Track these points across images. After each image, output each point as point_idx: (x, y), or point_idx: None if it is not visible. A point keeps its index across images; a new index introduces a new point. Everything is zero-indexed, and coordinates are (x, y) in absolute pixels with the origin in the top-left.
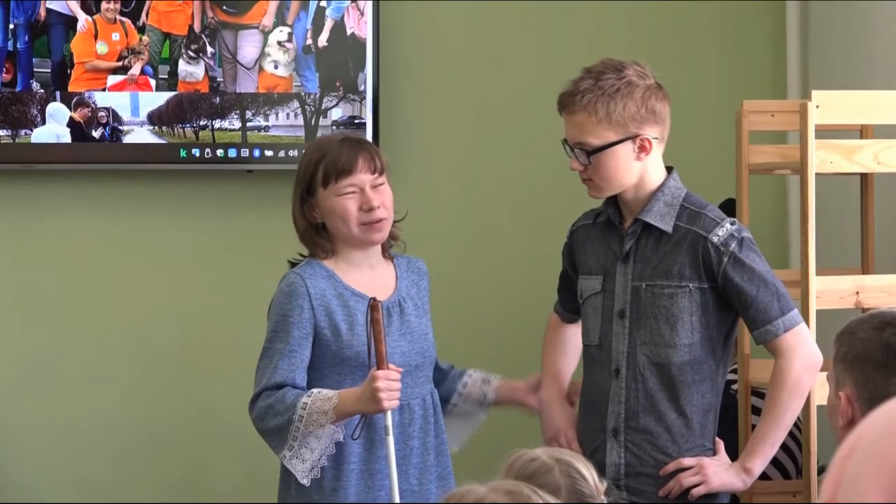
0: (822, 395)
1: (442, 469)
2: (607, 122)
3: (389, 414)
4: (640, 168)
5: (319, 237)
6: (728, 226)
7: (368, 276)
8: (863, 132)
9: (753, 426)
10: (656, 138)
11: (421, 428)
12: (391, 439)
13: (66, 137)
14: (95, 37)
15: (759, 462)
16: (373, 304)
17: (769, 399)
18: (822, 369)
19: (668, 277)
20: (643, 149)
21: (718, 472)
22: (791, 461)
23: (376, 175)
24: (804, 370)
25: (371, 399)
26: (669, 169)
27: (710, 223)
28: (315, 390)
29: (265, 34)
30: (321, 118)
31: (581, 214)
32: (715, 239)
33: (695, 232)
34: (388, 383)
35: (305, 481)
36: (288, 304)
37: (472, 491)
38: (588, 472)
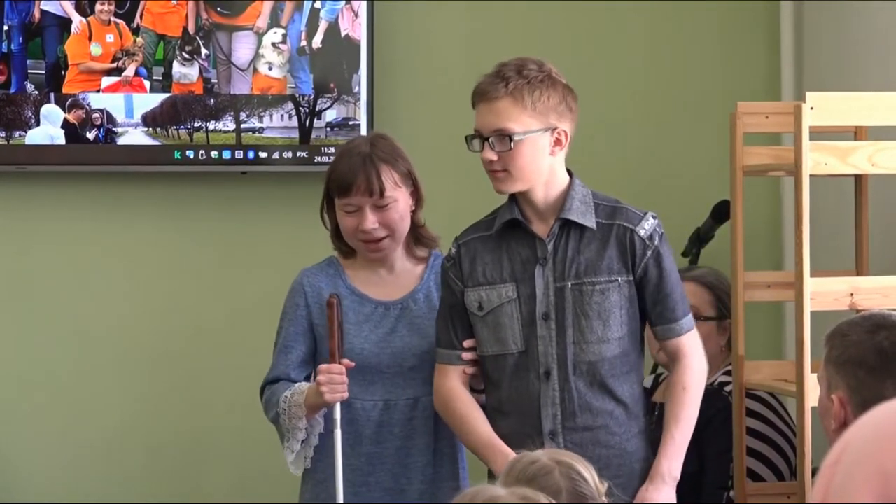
0: (815, 397)
1: (447, 473)
2: (532, 110)
3: (338, 407)
4: (549, 165)
5: (339, 239)
6: (651, 219)
7: (384, 277)
8: (857, 134)
9: (749, 428)
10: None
11: (402, 429)
12: (338, 433)
13: (61, 139)
14: (90, 38)
15: (679, 466)
16: (328, 301)
17: (679, 403)
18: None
19: (598, 273)
20: (558, 143)
21: (660, 493)
22: (784, 462)
23: (376, 197)
24: (703, 374)
25: (317, 392)
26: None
27: (634, 216)
28: (297, 384)
29: (259, 36)
30: (315, 120)
31: (465, 229)
32: (642, 232)
33: (619, 225)
34: (330, 377)
35: (293, 471)
36: (288, 302)
37: (485, 490)
38: (588, 473)
